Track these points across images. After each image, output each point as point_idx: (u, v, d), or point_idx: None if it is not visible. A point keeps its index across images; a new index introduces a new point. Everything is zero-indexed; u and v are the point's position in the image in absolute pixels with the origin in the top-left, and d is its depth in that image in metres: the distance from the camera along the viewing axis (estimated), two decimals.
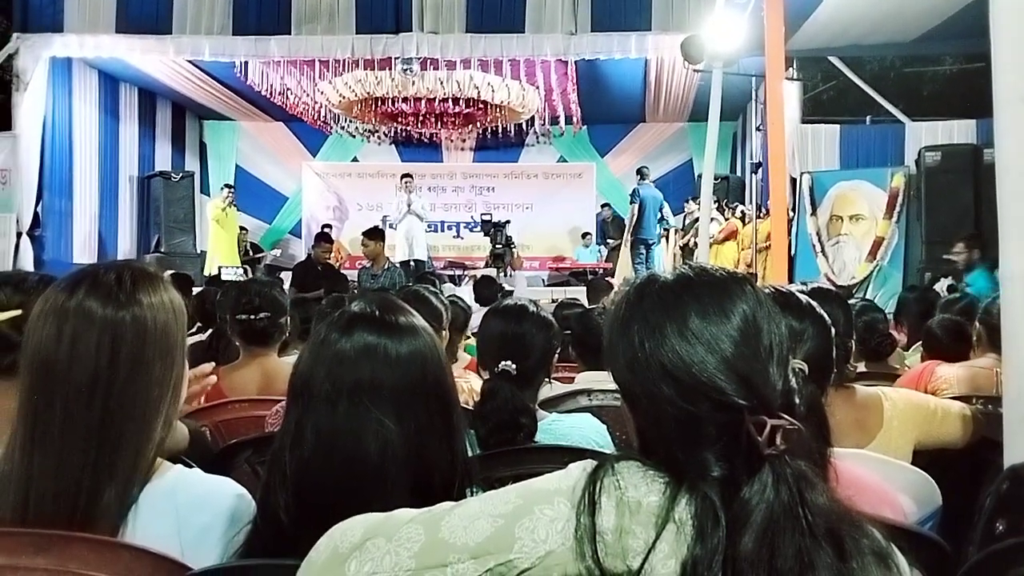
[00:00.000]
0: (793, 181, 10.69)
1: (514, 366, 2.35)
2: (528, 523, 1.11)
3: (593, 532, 1.09)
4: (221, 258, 13.79)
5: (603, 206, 16.02)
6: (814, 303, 2.00)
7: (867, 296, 9.43)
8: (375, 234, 9.41)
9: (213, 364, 2.00)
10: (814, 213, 10.82)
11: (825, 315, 2.00)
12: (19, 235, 11.27)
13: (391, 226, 13.31)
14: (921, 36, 9.77)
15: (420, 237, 13.17)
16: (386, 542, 1.12)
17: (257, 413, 2.93)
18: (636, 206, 12.65)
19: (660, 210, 12.90)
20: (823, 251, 10.78)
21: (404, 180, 13.62)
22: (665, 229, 13.45)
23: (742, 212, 12.72)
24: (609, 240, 15.47)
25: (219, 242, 14.15)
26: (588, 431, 2.44)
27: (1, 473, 1.52)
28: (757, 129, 11.79)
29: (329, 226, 16.41)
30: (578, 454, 1.22)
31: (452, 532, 1.11)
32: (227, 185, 15.08)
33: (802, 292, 2.25)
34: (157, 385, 1.55)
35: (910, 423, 2.42)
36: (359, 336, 1.48)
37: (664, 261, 13.00)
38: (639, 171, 13.40)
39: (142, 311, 1.55)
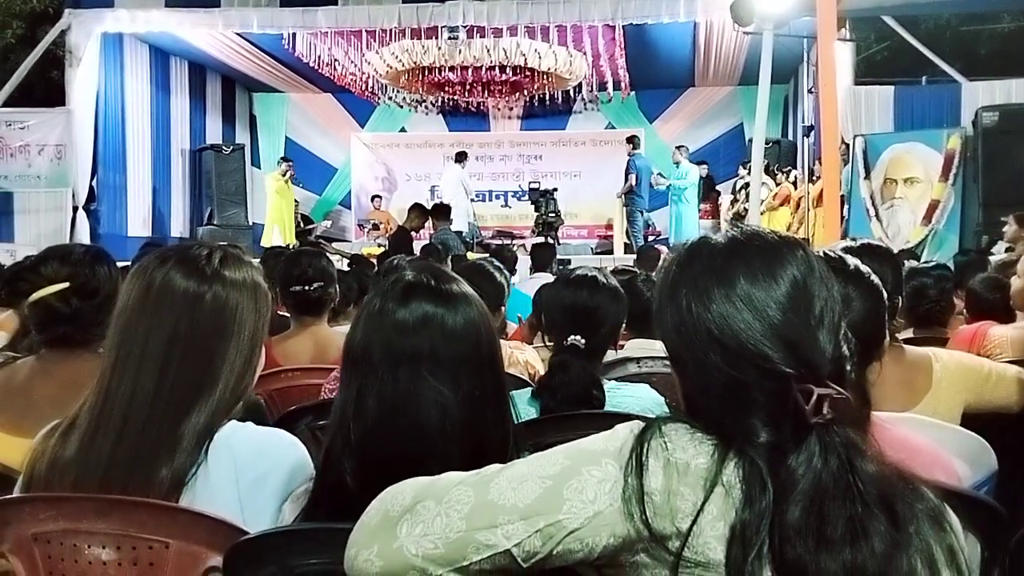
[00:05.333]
0: (846, 144, 10.50)
1: (583, 341, 2.36)
2: (576, 484, 1.11)
3: (641, 493, 1.09)
4: (281, 233, 13.95)
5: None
6: (865, 269, 1.96)
7: (923, 260, 9.26)
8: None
9: None
10: (868, 176, 10.62)
11: (877, 281, 1.95)
12: (75, 209, 11.45)
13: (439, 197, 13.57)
14: None
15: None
16: (436, 504, 1.14)
17: (310, 381, 2.98)
18: (634, 176, 13.32)
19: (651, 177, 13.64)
20: (877, 215, 10.59)
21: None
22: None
23: (795, 177, 12.57)
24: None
25: (281, 215, 14.33)
26: (646, 401, 2.44)
27: (76, 415, 1.60)
28: (809, 92, 11.58)
29: (378, 197, 16.49)
30: (628, 420, 1.22)
31: (501, 494, 1.13)
32: (284, 158, 15.23)
33: (850, 250, 2.22)
34: (230, 359, 1.62)
35: (960, 385, 2.38)
36: (417, 306, 1.49)
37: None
38: (631, 139, 13.86)
39: (223, 289, 1.62)
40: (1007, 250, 7.46)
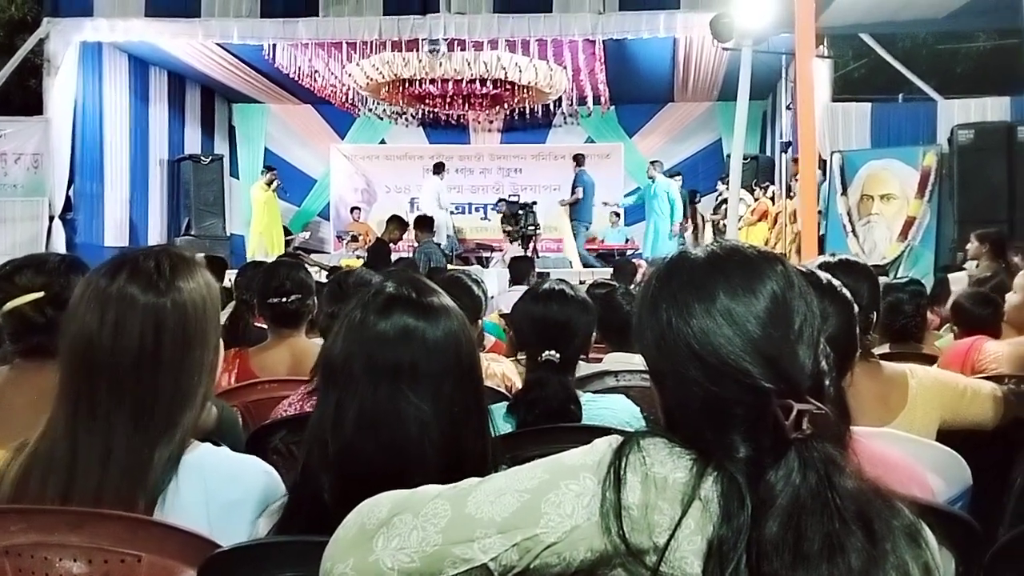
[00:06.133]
0: (823, 161, 10.58)
1: (557, 355, 2.36)
2: (554, 498, 1.11)
3: (619, 507, 1.09)
4: (269, 245, 13.91)
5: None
6: (836, 283, 1.97)
7: (898, 275, 9.33)
8: None
9: None
10: (844, 193, 10.70)
11: (848, 294, 1.97)
12: (51, 218, 11.35)
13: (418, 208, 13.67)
14: (954, 12, 9.60)
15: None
16: (413, 518, 1.13)
17: (286, 393, 2.95)
18: (580, 190, 14.16)
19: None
20: (854, 231, 10.66)
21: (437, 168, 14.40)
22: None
23: (772, 192, 12.65)
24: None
25: (267, 227, 14.33)
26: (622, 413, 2.45)
27: (43, 453, 1.55)
28: (787, 108, 11.68)
29: (357, 209, 16.49)
30: (606, 434, 1.22)
31: (479, 507, 1.12)
32: (267, 167, 15.23)
33: (828, 264, 2.24)
34: (197, 366, 1.59)
35: (935, 401, 2.39)
36: (398, 318, 1.49)
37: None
38: (576, 158, 14.66)
39: (182, 296, 1.59)
40: (977, 267, 7.55)
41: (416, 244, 11.22)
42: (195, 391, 1.59)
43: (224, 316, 1.73)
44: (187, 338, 1.58)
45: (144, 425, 1.53)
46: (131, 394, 1.53)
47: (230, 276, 7.73)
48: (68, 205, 11.67)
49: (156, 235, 14.10)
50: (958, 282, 6.47)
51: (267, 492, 1.59)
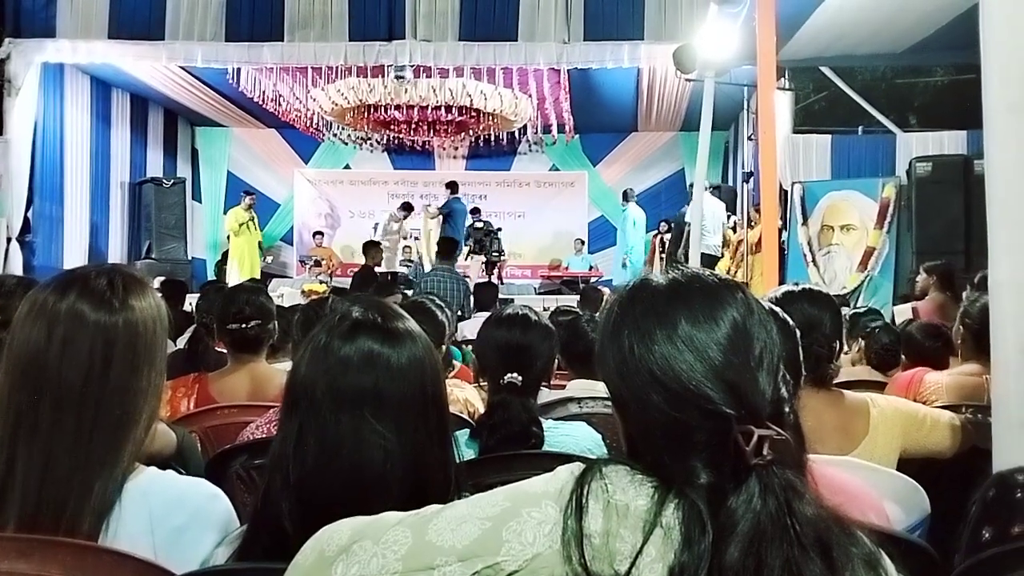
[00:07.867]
0: (784, 191, 10.71)
1: (520, 378, 2.36)
2: (516, 526, 1.10)
3: (580, 535, 1.08)
4: (241, 270, 13.87)
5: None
6: (777, 309, 1.98)
7: (858, 305, 9.43)
8: None
9: None
10: (805, 223, 10.83)
11: (790, 320, 1.98)
12: (9, 240, 11.21)
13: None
14: (912, 47, 9.78)
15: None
16: (373, 545, 1.12)
17: (246, 419, 2.92)
18: (447, 212, 14.28)
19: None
20: (814, 261, 10.79)
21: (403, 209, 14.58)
22: None
23: (734, 222, 12.77)
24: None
25: (242, 253, 14.37)
26: (584, 440, 2.45)
27: None
28: (749, 139, 11.83)
29: (320, 234, 16.42)
30: (568, 461, 1.21)
31: (439, 535, 1.11)
32: (247, 192, 15.24)
33: (792, 294, 2.26)
34: (144, 388, 1.56)
35: (897, 430, 2.41)
36: (362, 342, 1.47)
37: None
38: (450, 184, 14.86)
39: (134, 315, 1.56)
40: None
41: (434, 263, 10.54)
42: (141, 413, 1.55)
43: (184, 340, 1.71)
44: (136, 358, 1.55)
45: (87, 446, 1.49)
46: (75, 414, 1.49)
47: (191, 300, 7.69)
48: (26, 227, 11.51)
49: (116, 258, 13.97)
50: (902, 314, 6.61)
51: (215, 516, 1.56)
